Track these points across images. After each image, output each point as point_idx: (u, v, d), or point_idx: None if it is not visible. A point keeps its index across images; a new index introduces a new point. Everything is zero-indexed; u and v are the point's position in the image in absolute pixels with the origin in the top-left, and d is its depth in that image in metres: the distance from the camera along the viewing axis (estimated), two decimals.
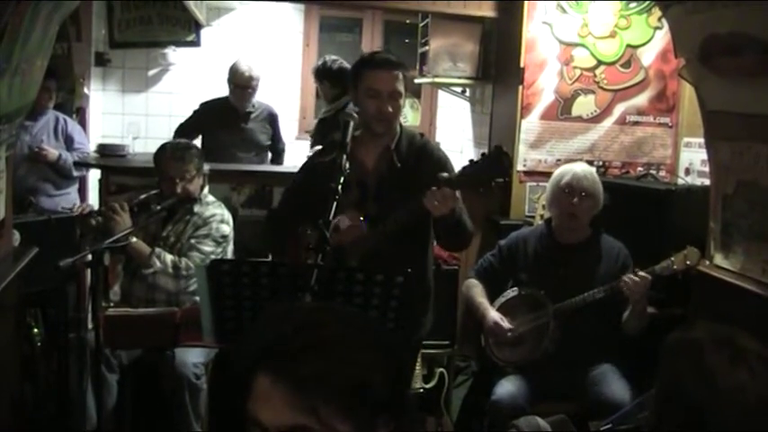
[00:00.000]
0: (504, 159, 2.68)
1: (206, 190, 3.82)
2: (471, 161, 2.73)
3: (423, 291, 3.06)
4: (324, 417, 1.10)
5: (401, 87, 2.86)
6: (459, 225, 2.87)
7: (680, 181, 4.46)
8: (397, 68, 2.87)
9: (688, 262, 3.22)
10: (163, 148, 3.77)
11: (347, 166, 2.58)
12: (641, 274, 3.23)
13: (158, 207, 3.64)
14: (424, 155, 2.99)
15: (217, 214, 3.77)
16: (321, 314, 1.22)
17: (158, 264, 3.58)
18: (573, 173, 3.49)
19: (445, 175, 2.69)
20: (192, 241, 3.69)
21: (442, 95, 6.81)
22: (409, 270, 2.40)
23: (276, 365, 1.13)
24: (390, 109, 2.84)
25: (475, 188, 2.72)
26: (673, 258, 3.24)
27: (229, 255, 3.80)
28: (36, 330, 3.77)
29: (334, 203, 2.44)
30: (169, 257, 3.61)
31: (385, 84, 2.84)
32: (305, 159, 3.34)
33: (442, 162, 3.01)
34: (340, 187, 2.50)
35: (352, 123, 2.74)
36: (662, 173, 4.74)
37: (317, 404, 1.10)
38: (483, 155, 2.71)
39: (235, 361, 1.19)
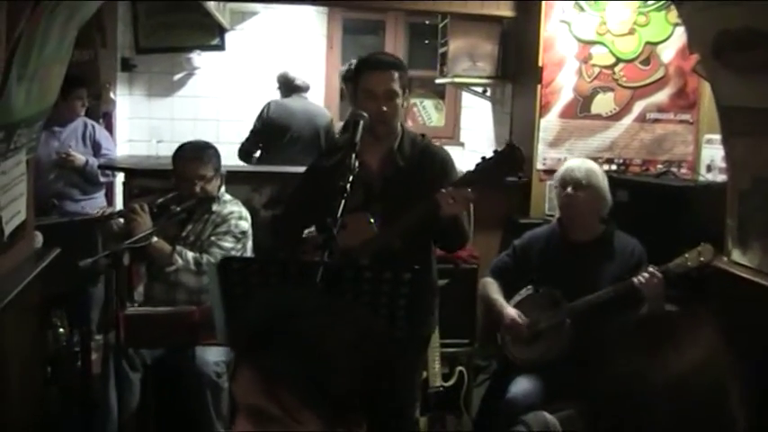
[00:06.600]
0: (516, 155, 2.69)
1: (222, 189, 3.86)
2: (483, 158, 2.74)
3: (429, 288, 3.06)
4: (285, 404, 1.14)
5: (397, 87, 2.85)
6: (463, 225, 2.89)
7: (701, 178, 4.43)
8: (392, 68, 2.87)
9: (702, 258, 3.18)
10: (181, 148, 3.79)
11: (356, 165, 2.59)
12: (653, 270, 3.21)
13: (178, 209, 3.68)
14: (427, 155, 2.99)
15: (235, 211, 3.80)
16: (307, 303, 1.24)
17: (180, 261, 3.61)
18: (566, 167, 3.51)
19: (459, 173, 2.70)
20: (213, 238, 3.71)
21: (467, 96, 6.80)
22: (417, 267, 2.41)
23: (249, 348, 1.19)
24: (386, 109, 2.84)
25: (488, 185, 2.73)
26: (687, 255, 3.20)
27: (249, 251, 3.83)
28: (62, 330, 3.85)
29: (343, 202, 2.45)
30: (191, 254, 3.64)
31: (379, 84, 2.84)
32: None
33: (446, 162, 3.03)
34: (348, 186, 2.51)
35: (361, 123, 2.76)
36: (683, 170, 4.71)
37: (279, 392, 1.14)
38: (495, 152, 2.73)
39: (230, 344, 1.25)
